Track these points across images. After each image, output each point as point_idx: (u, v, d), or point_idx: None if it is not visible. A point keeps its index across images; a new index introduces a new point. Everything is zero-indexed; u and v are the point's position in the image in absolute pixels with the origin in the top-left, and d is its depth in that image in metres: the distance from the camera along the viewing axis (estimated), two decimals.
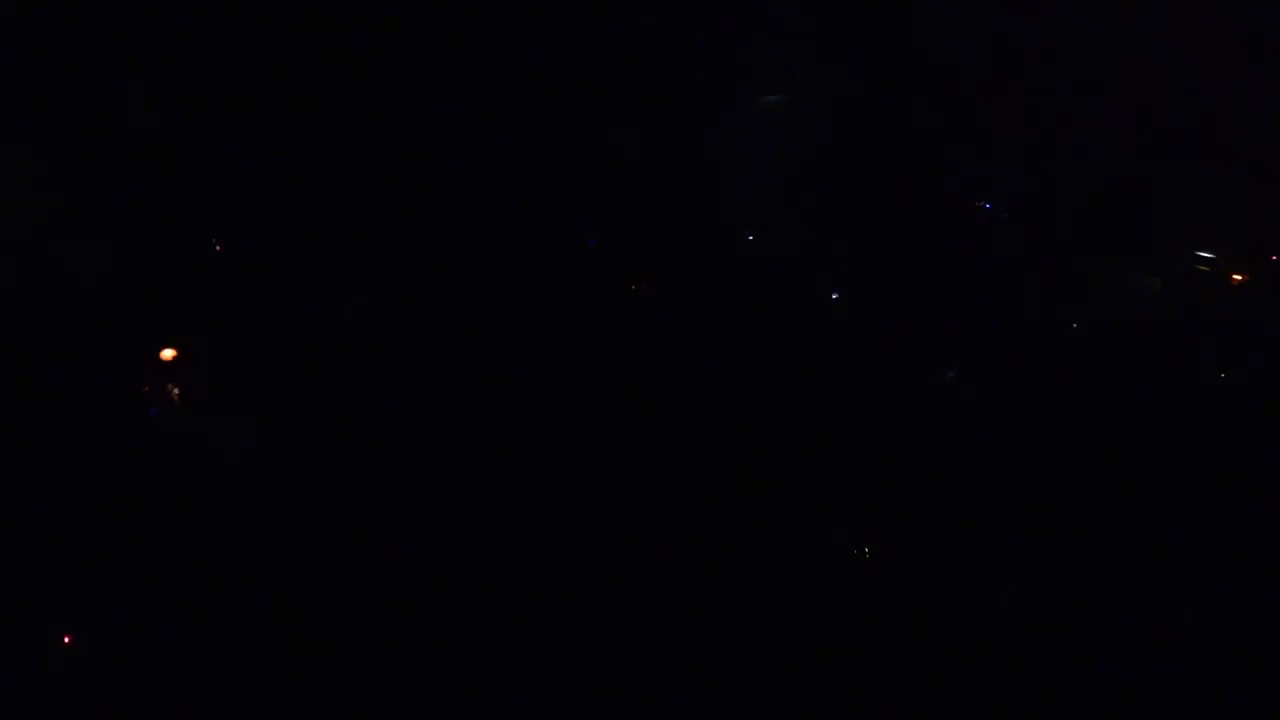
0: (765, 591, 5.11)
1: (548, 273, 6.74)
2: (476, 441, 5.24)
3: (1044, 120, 7.53)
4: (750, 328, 6.95)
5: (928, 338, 7.13)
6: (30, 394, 5.25)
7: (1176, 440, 6.28)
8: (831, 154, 7.50)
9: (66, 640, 4.19)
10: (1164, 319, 7.17)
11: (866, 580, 5.41)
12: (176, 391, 5.63)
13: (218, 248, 6.25)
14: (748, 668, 4.60)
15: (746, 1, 7.32)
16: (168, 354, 5.75)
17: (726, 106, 7.46)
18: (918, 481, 5.96)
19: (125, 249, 6.13)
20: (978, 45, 7.45)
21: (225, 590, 4.15)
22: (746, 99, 7.54)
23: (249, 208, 5.93)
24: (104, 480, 4.66)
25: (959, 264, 7.44)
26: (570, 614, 4.50)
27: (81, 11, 5.98)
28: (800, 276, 7.30)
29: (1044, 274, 7.40)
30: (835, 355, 6.84)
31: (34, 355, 5.49)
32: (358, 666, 3.84)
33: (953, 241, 7.49)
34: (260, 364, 5.66)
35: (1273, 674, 4.57)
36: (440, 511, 4.37)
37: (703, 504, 5.58)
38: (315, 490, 4.09)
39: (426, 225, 5.33)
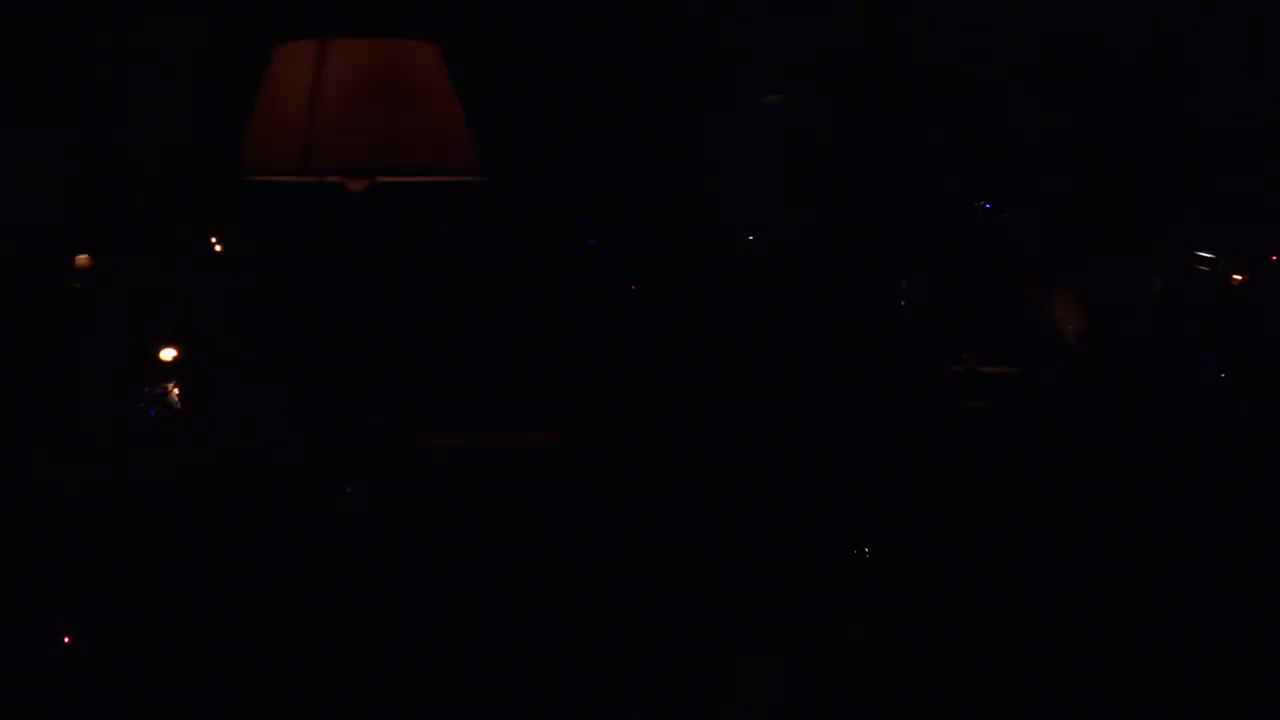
0: (764, 592, 5.11)
1: (546, 272, 6.74)
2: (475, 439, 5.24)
3: (1044, 120, 7.53)
4: (750, 328, 6.95)
5: (927, 337, 7.13)
6: (29, 394, 5.25)
7: (1176, 440, 6.28)
8: (831, 154, 7.50)
9: (66, 640, 4.19)
10: (1164, 319, 7.17)
11: (866, 581, 5.42)
12: (177, 391, 5.63)
13: (218, 248, 6.25)
14: (746, 668, 4.60)
15: (747, 2, 7.32)
16: (168, 354, 5.75)
17: (726, 107, 7.46)
18: (917, 481, 5.96)
19: (123, 248, 6.12)
20: (977, 45, 7.45)
21: (225, 591, 4.15)
22: (747, 99, 7.54)
23: (247, 207, 5.93)
24: (103, 480, 4.66)
25: (958, 263, 7.44)
26: (568, 612, 4.50)
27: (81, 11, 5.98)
28: (800, 277, 7.30)
29: (1044, 273, 7.40)
30: (835, 355, 6.84)
31: (33, 354, 5.49)
32: (358, 668, 3.83)
33: (952, 241, 7.50)
34: (259, 364, 5.66)
35: (1273, 674, 4.58)
36: (440, 509, 4.36)
37: (701, 504, 5.58)
38: (314, 490, 4.08)
39: (425, 224, 5.32)
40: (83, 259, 6.10)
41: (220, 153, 4.06)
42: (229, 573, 4.20)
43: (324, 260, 4.77)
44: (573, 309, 6.71)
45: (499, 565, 4.29)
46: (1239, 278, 7.33)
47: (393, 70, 3.65)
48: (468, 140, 3.82)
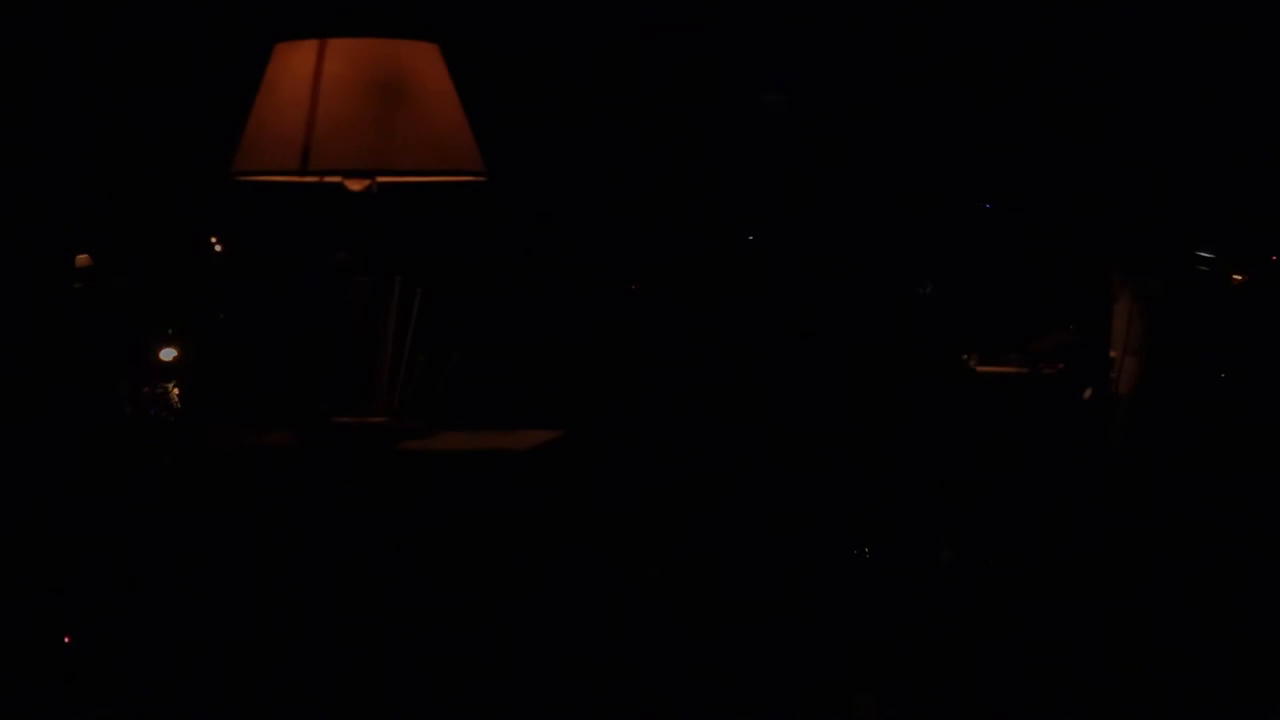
0: (764, 593, 5.11)
1: (545, 273, 6.74)
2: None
3: (1044, 120, 7.53)
4: (750, 329, 6.95)
5: (926, 338, 7.13)
6: (28, 394, 5.25)
7: (1175, 442, 6.28)
8: (832, 154, 7.50)
9: (66, 640, 4.19)
10: (1164, 319, 7.16)
11: (866, 581, 5.42)
12: (177, 392, 5.64)
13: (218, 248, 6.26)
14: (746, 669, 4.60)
15: (748, 2, 7.32)
16: (168, 354, 5.75)
17: (726, 106, 7.46)
18: (916, 483, 5.97)
19: (122, 247, 6.13)
20: (977, 44, 7.45)
21: (226, 594, 4.14)
22: (746, 99, 7.54)
23: (246, 205, 5.93)
24: (101, 481, 4.65)
25: (958, 264, 7.45)
26: (568, 612, 4.49)
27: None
28: (800, 277, 7.30)
29: (1043, 274, 7.40)
30: (835, 355, 6.84)
31: (31, 354, 5.48)
32: (357, 669, 3.82)
33: (952, 242, 7.50)
34: (259, 363, 5.66)
35: (1272, 674, 4.57)
36: (438, 509, 4.36)
37: (702, 503, 5.59)
38: (315, 490, 4.08)
39: (421, 224, 5.31)
40: (83, 259, 6.10)
41: (220, 153, 4.05)
42: (228, 573, 4.19)
43: (324, 260, 4.77)
44: (573, 309, 6.71)
45: (498, 566, 4.28)
46: (1239, 278, 7.32)
47: (393, 70, 3.65)
48: (468, 140, 3.82)
